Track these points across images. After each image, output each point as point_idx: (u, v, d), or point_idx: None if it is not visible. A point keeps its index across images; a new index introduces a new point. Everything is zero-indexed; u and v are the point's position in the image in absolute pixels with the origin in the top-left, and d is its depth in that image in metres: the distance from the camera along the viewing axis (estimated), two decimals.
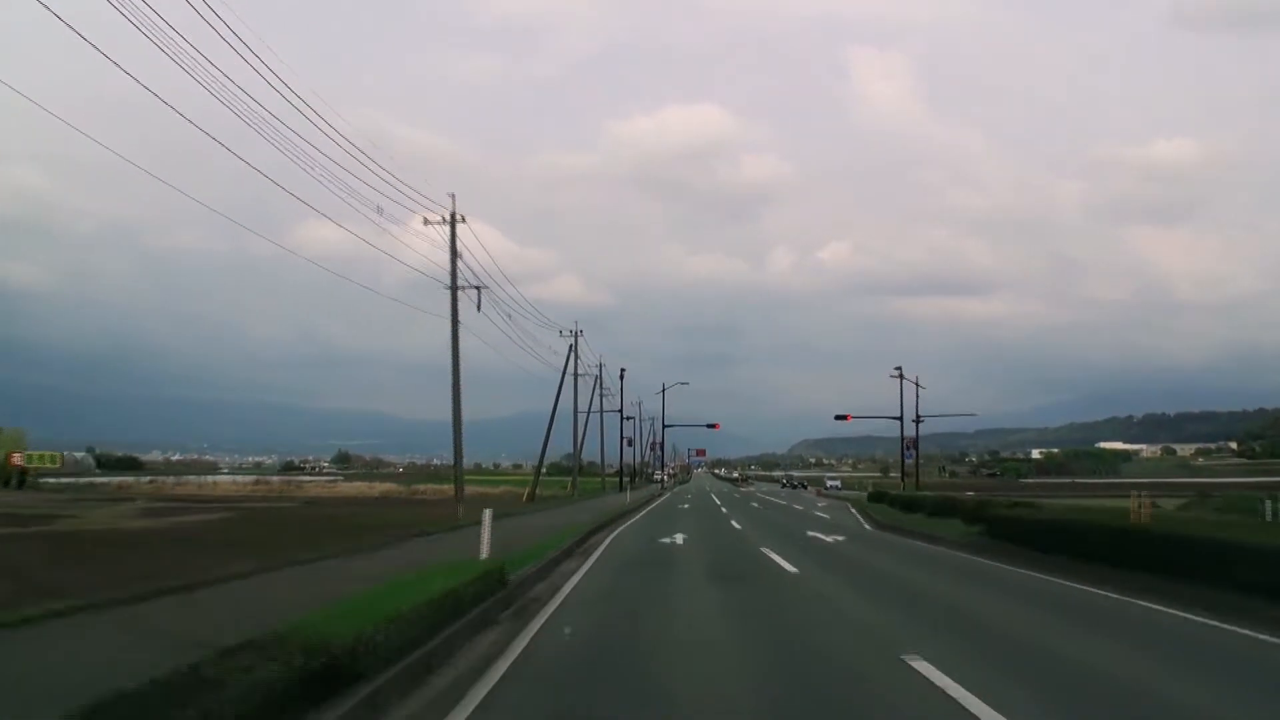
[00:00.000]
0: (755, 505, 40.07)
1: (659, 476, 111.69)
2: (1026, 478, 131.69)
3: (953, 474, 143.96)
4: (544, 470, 54.98)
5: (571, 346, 51.00)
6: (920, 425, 56.71)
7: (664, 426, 70.01)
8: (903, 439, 56.50)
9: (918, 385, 55.55)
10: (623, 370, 61.80)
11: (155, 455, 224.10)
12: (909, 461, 57.68)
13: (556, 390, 49.68)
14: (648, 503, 40.64)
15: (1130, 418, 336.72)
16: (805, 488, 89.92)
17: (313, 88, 19.51)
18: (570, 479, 56.06)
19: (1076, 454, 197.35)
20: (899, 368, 57.95)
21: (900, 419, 55.28)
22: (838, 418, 59.08)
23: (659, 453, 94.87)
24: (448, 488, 39.54)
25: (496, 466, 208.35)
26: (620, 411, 59.48)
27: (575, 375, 50.18)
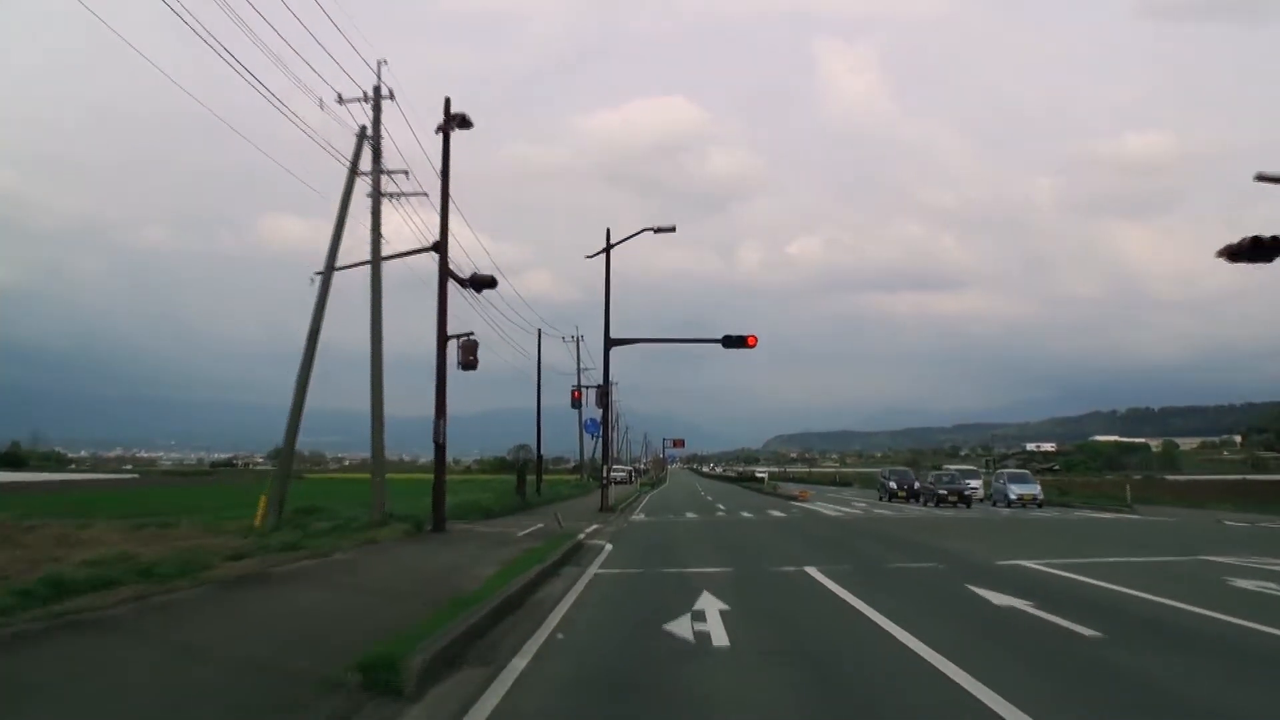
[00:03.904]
0: None
1: (617, 474, 70.20)
2: (1093, 474, 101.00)
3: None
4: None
5: None
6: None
7: (608, 344, 29.84)
8: None
9: None
10: (449, 116, 20.71)
11: (114, 453, 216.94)
12: None
13: None
14: None
15: (1114, 412, 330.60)
16: (960, 503, 37.91)
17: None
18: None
19: (1121, 448, 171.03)
20: None
21: None
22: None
23: (588, 405, 43.38)
24: None
25: (457, 463, 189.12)
26: (440, 248, 20.30)
27: None
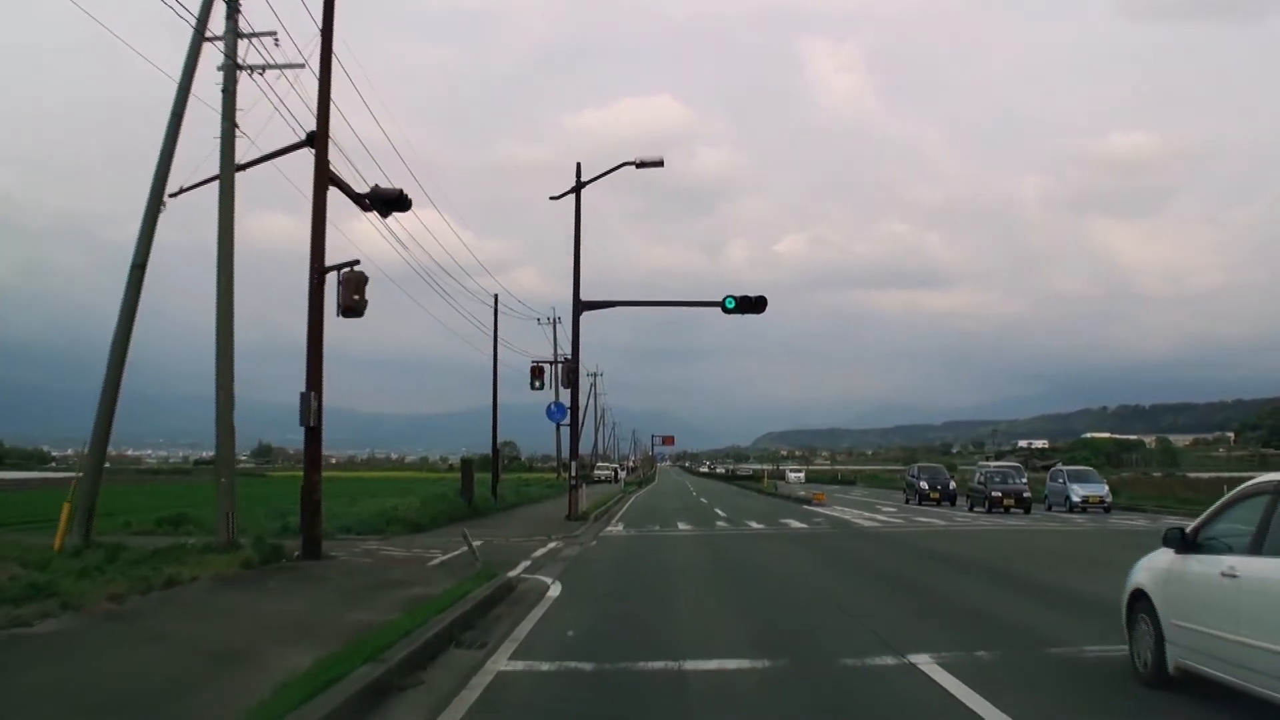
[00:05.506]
0: None
1: (601, 472, 72.01)
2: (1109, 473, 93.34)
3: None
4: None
5: None
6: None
7: (577, 308, 23.51)
8: None
9: None
10: None
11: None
12: None
13: None
14: None
15: (1104, 409, 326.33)
16: (1017, 507, 31.47)
17: None
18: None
19: (1118, 445, 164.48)
20: None
21: None
22: None
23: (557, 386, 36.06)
24: None
25: (443, 460, 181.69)
26: (317, 139, 13.78)
27: None
